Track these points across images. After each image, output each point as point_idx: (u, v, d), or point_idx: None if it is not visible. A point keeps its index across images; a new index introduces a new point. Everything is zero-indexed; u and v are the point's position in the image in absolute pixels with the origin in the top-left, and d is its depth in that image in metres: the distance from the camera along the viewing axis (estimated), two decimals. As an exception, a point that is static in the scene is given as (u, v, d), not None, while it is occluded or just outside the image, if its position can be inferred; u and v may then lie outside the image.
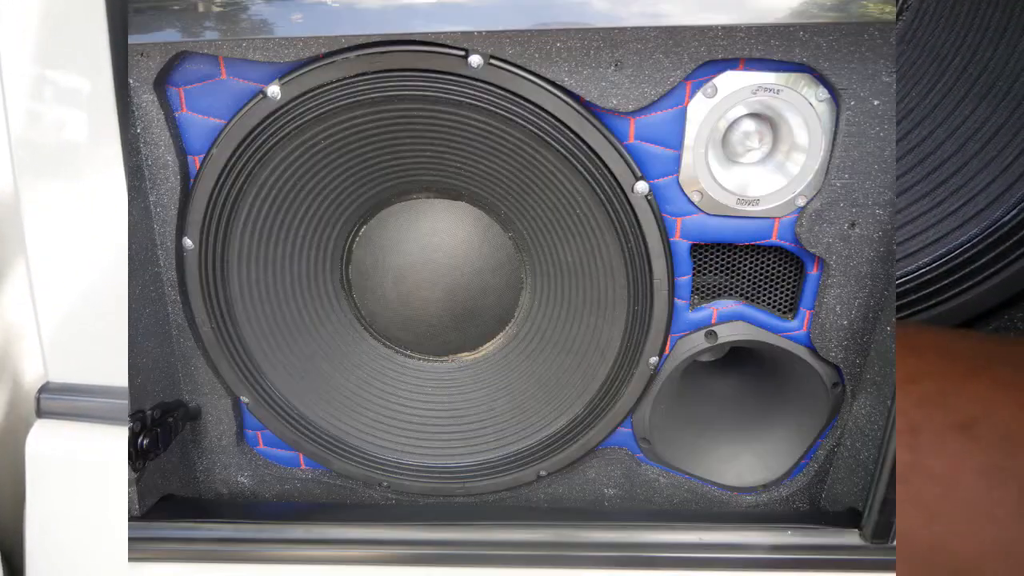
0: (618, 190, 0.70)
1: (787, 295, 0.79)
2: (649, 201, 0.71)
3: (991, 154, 0.73)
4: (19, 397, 0.89)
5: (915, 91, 0.75)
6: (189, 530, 0.78)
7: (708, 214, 0.72)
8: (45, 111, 0.67)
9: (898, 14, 0.73)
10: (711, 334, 0.79)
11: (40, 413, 0.76)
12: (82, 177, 0.69)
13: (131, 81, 0.68)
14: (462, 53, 0.65)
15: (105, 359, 0.73)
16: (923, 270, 0.76)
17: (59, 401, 0.76)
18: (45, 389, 0.76)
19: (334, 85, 0.67)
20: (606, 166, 0.69)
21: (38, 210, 0.70)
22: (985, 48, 0.71)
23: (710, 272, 0.80)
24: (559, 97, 0.67)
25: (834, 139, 0.68)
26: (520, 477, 0.87)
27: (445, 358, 0.87)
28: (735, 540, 0.76)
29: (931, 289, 0.77)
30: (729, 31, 0.63)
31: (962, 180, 0.74)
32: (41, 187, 0.70)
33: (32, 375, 0.88)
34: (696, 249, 0.77)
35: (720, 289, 0.81)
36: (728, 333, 0.79)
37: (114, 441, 0.75)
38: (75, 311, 0.73)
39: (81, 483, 0.76)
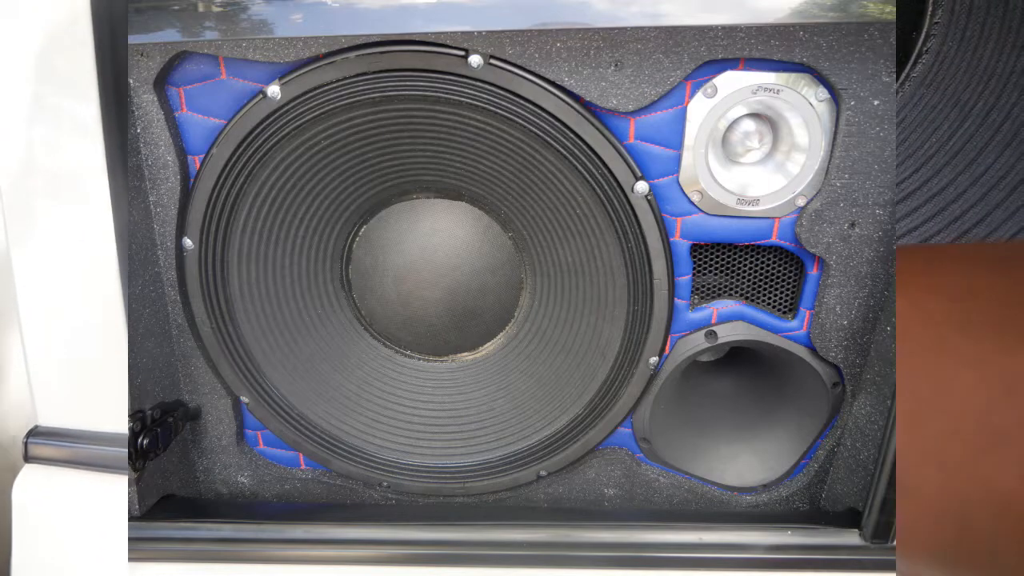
0: (618, 190, 0.70)
1: (787, 295, 0.79)
2: (649, 201, 0.71)
3: (1016, 204, 0.70)
4: (6, 441, 0.87)
5: (935, 137, 0.72)
6: (189, 530, 0.78)
7: (708, 214, 0.72)
8: (27, 132, 0.66)
9: (915, 59, 0.71)
10: (711, 334, 0.79)
11: (28, 458, 0.75)
12: (69, 205, 0.67)
13: (131, 81, 0.68)
14: (462, 53, 0.65)
15: (98, 403, 0.72)
16: None
17: (49, 446, 0.74)
18: (34, 433, 0.74)
19: (334, 85, 0.67)
20: (606, 166, 0.69)
21: (26, 243, 0.68)
22: (1009, 93, 0.69)
23: (710, 272, 0.80)
24: (559, 97, 0.67)
25: (834, 139, 0.68)
26: (520, 477, 0.87)
27: (445, 358, 0.87)
28: (735, 540, 0.76)
29: None
30: (729, 31, 0.63)
31: (986, 231, 0.72)
32: (29, 217, 0.68)
33: (20, 419, 0.86)
34: (696, 249, 0.77)
35: (720, 289, 0.80)
36: (728, 333, 0.79)
37: (106, 486, 0.73)
38: (66, 352, 0.72)
39: (71, 531, 0.75)
